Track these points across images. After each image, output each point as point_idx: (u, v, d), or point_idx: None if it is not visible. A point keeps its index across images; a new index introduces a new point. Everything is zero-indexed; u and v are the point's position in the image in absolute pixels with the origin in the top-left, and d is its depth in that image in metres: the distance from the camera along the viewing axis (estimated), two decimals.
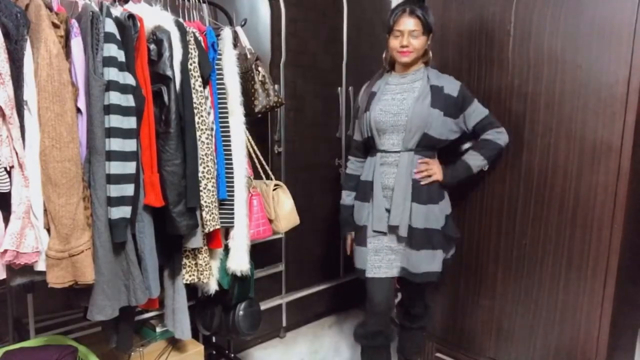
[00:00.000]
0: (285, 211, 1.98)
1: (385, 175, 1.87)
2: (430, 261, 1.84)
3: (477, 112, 1.88)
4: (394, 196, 1.83)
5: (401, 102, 1.83)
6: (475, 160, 1.88)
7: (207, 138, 1.66)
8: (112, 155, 1.42)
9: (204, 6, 1.91)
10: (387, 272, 1.91)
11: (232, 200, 1.78)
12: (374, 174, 1.87)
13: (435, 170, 1.85)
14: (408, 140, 1.82)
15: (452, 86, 1.85)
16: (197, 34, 1.69)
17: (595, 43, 1.69)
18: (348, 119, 2.74)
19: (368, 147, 1.96)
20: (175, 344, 1.99)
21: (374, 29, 2.79)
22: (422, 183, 1.84)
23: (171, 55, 1.55)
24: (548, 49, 1.80)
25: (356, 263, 1.95)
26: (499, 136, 1.88)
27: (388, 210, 1.86)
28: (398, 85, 1.88)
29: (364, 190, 1.92)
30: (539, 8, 1.81)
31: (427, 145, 1.86)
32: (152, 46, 1.54)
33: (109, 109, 1.41)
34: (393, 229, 1.87)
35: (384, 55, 1.94)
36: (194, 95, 1.62)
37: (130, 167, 1.46)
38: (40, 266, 1.38)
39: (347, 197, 2.01)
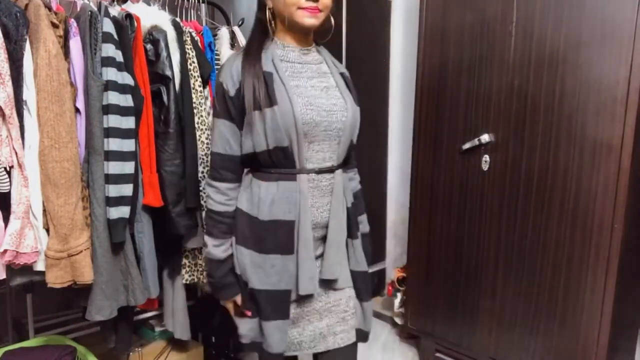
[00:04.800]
0: None
1: (318, 209, 1.23)
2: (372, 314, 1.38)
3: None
4: (329, 238, 1.24)
5: (326, 93, 1.23)
6: (366, 225, 1.41)
7: (206, 138, 1.66)
8: (110, 155, 1.42)
9: (202, 6, 1.90)
10: (311, 347, 1.29)
11: None
12: (300, 209, 1.19)
13: None
14: (342, 151, 1.25)
15: (350, 79, 1.33)
16: (194, 34, 1.69)
17: (596, 43, 1.69)
18: None
19: (262, 165, 1.22)
20: (174, 343, 1.99)
21: (374, 28, 2.79)
22: None
23: (169, 55, 1.55)
24: (550, 49, 1.80)
25: (271, 346, 1.25)
26: (358, 180, 1.41)
27: (316, 259, 1.26)
28: (305, 64, 1.24)
29: (281, 236, 1.21)
30: (541, 8, 1.81)
31: (349, 158, 1.33)
32: (149, 46, 1.54)
33: (108, 109, 1.41)
34: (327, 284, 1.29)
35: (268, 6, 1.21)
36: (193, 95, 1.62)
37: (128, 167, 1.46)
38: (40, 266, 1.38)
39: (219, 248, 1.24)
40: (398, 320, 2.55)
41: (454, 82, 2.09)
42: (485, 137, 1.99)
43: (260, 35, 1.23)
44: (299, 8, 1.15)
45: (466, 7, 2.02)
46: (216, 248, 1.24)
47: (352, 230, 1.30)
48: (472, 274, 2.12)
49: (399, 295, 2.53)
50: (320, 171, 1.22)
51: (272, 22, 1.22)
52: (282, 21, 1.19)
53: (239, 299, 1.27)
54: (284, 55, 1.22)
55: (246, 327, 1.28)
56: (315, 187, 1.22)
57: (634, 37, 1.61)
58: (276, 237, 1.20)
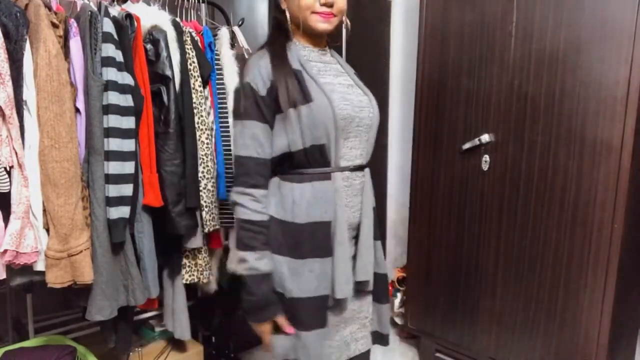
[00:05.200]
0: None
1: (351, 209, 1.21)
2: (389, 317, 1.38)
3: None
4: (361, 238, 1.23)
5: (352, 91, 1.25)
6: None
7: (207, 138, 1.66)
8: (110, 155, 1.42)
9: (202, 6, 1.90)
10: (336, 357, 1.26)
11: None
12: (337, 208, 1.16)
13: None
14: (370, 148, 1.26)
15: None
16: (194, 34, 1.69)
17: (596, 43, 1.69)
18: None
19: (294, 166, 1.17)
20: (174, 344, 1.99)
21: (374, 28, 2.79)
22: None
23: (169, 55, 1.55)
24: (549, 49, 1.80)
25: (311, 358, 1.18)
26: None
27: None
28: (326, 64, 1.26)
29: (318, 239, 1.16)
30: (541, 8, 1.81)
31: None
32: (149, 46, 1.54)
33: (108, 109, 1.41)
34: (359, 286, 1.26)
35: (287, 13, 1.20)
36: (193, 95, 1.62)
37: (128, 167, 1.46)
38: (40, 266, 1.38)
39: (262, 261, 1.15)
40: (398, 320, 2.55)
41: (454, 82, 2.09)
42: (485, 137, 1.99)
43: (281, 35, 1.21)
44: (313, 12, 1.15)
45: (466, 7, 2.02)
46: (259, 261, 1.14)
47: (375, 231, 1.29)
48: (472, 274, 2.12)
49: (399, 295, 2.53)
50: (354, 169, 1.21)
51: (290, 23, 1.21)
52: (297, 24, 1.19)
53: (281, 318, 1.17)
54: (306, 55, 1.22)
55: (280, 343, 1.19)
56: (349, 185, 1.20)
57: (634, 37, 1.61)
58: (314, 240, 1.16)
